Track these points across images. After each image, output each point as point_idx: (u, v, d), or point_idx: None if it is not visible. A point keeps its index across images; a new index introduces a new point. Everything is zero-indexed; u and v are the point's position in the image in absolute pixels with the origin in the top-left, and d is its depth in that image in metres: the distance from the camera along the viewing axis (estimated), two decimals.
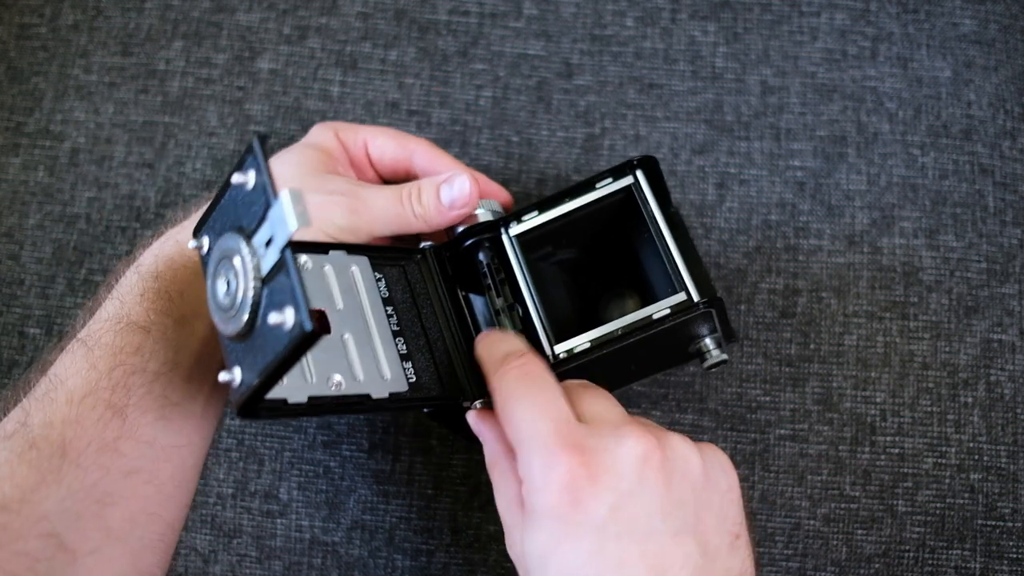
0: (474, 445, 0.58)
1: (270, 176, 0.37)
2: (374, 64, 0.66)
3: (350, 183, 0.50)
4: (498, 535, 0.57)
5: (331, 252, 0.48)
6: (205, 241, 0.42)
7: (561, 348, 0.48)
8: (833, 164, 0.62)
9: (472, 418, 0.46)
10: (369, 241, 0.50)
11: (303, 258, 0.46)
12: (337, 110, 0.65)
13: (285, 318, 0.35)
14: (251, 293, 0.37)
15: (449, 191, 0.50)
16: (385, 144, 0.55)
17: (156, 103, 0.66)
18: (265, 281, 0.37)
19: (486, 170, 0.63)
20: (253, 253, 0.38)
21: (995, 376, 0.58)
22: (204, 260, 0.41)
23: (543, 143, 0.64)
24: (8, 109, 0.66)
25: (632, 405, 0.56)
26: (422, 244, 0.52)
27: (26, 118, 0.66)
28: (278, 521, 0.58)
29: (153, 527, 0.45)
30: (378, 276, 0.49)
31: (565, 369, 0.48)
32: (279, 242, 0.36)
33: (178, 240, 0.48)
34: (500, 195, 0.55)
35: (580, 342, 0.48)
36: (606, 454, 0.39)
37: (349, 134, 0.54)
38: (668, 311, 0.47)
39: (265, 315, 0.37)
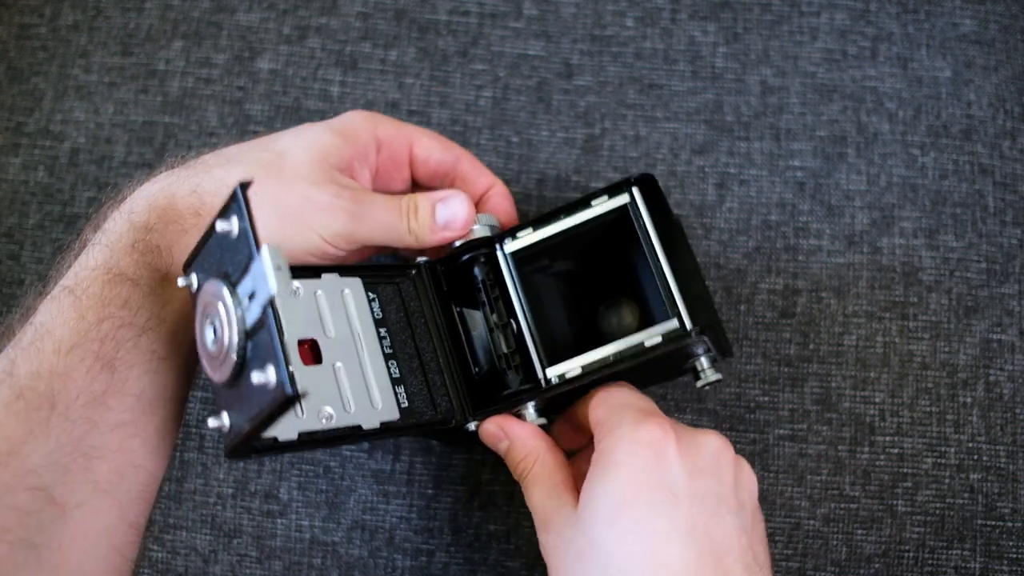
0: (474, 449, 0.58)
1: (253, 227, 0.37)
2: (374, 64, 0.66)
3: (357, 188, 0.50)
4: (498, 534, 0.57)
5: (324, 276, 0.47)
6: (194, 279, 0.41)
7: (553, 372, 0.48)
8: (833, 164, 0.62)
9: (495, 423, 0.47)
10: (361, 248, 0.50)
11: (295, 284, 0.46)
12: (337, 110, 0.65)
13: (268, 378, 0.35)
14: (236, 347, 0.37)
15: (445, 211, 0.50)
16: (432, 146, 0.54)
17: (156, 103, 0.66)
18: (249, 335, 0.37)
19: None
20: (238, 304, 0.37)
21: (994, 376, 0.58)
22: (193, 298, 0.41)
23: (543, 143, 0.64)
24: (8, 109, 0.66)
25: None
26: (418, 259, 0.51)
27: (26, 118, 0.66)
28: (278, 521, 0.58)
29: (139, 479, 0.45)
30: (371, 296, 0.48)
31: (556, 393, 0.48)
32: (260, 300, 0.36)
33: (171, 192, 0.47)
34: (510, 216, 0.55)
35: (572, 367, 0.48)
36: (688, 435, 0.43)
37: (392, 130, 0.53)
38: (660, 339, 0.47)
39: (249, 370, 0.37)
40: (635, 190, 0.49)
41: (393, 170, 0.54)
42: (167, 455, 0.47)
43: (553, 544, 0.43)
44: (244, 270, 0.38)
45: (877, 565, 0.55)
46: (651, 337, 0.47)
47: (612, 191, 0.49)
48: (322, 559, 0.57)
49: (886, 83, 0.64)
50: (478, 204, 0.55)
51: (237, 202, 0.38)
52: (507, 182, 0.62)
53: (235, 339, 0.37)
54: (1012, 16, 0.65)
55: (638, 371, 0.48)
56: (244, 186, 0.37)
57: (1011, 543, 0.55)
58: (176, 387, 0.46)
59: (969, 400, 0.58)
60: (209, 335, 0.39)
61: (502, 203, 0.55)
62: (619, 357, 0.47)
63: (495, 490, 0.58)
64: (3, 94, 0.67)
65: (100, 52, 0.67)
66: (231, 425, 0.39)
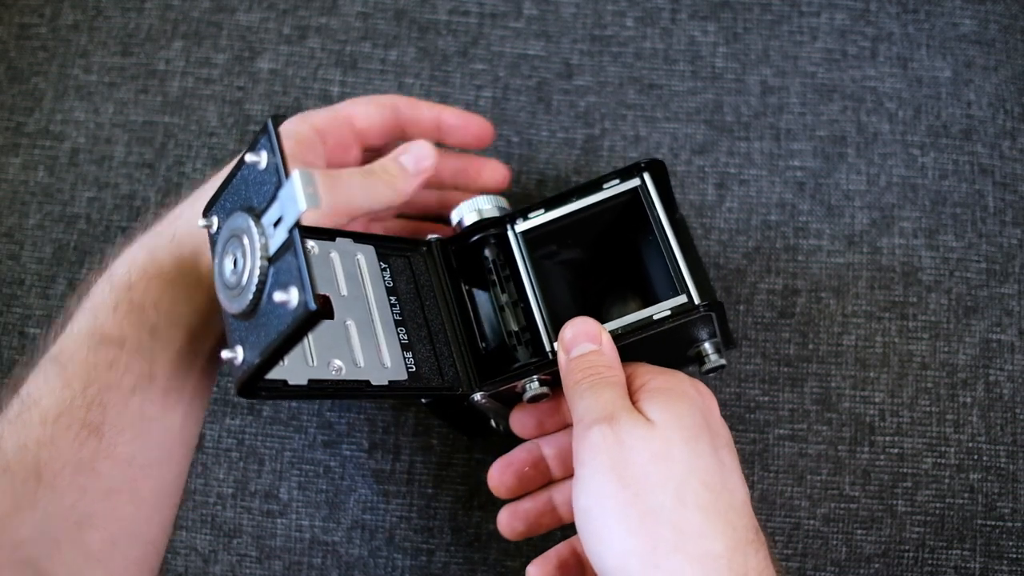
0: (475, 441, 0.58)
1: (283, 156, 0.38)
2: (374, 64, 0.66)
3: (320, 170, 0.49)
4: (498, 534, 0.57)
5: (338, 239, 0.48)
6: (214, 220, 0.42)
7: None
8: (833, 164, 0.62)
9: (592, 323, 0.47)
10: (348, 223, 0.50)
11: (310, 243, 0.46)
12: None
13: (290, 297, 0.36)
14: (257, 272, 0.38)
15: (408, 157, 0.50)
16: (369, 112, 0.53)
17: (156, 103, 0.66)
18: (272, 260, 0.37)
19: None
20: (262, 232, 0.38)
21: (994, 376, 0.58)
22: (212, 239, 0.42)
23: (543, 144, 0.64)
24: (8, 109, 0.66)
25: None
26: (428, 237, 0.52)
27: (26, 118, 0.66)
28: (278, 521, 0.58)
29: (135, 547, 0.44)
30: (383, 266, 0.49)
31: None
32: (288, 222, 0.37)
33: (150, 247, 0.46)
34: (480, 126, 0.55)
35: None
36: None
37: (327, 116, 0.52)
38: (668, 312, 0.47)
39: (270, 294, 0.37)
40: (646, 175, 0.50)
41: (343, 153, 0.53)
42: (168, 520, 0.46)
43: (617, 438, 0.42)
44: (271, 200, 0.38)
45: (877, 565, 0.55)
46: (660, 311, 0.47)
47: (624, 175, 0.50)
48: (322, 559, 0.57)
49: (886, 83, 0.64)
50: (470, 180, 0.57)
51: (268, 134, 0.38)
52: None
53: (257, 266, 0.37)
54: (1012, 16, 0.65)
55: (645, 349, 0.48)
56: (276, 119, 0.38)
57: (1011, 543, 0.55)
58: (172, 448, 0.45)
59: (969, 400, 0.58)
60: (229, 266, 0.39)
61: (486, 168, 0.56)
62: (627, 329, 0.47)
63: None
64: (3, 94, 0.67)
65: (100, 52, 0.67)
66: (244, 358, 0.39)
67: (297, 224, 0.36)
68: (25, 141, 0.66)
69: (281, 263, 0.37)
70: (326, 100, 0.65)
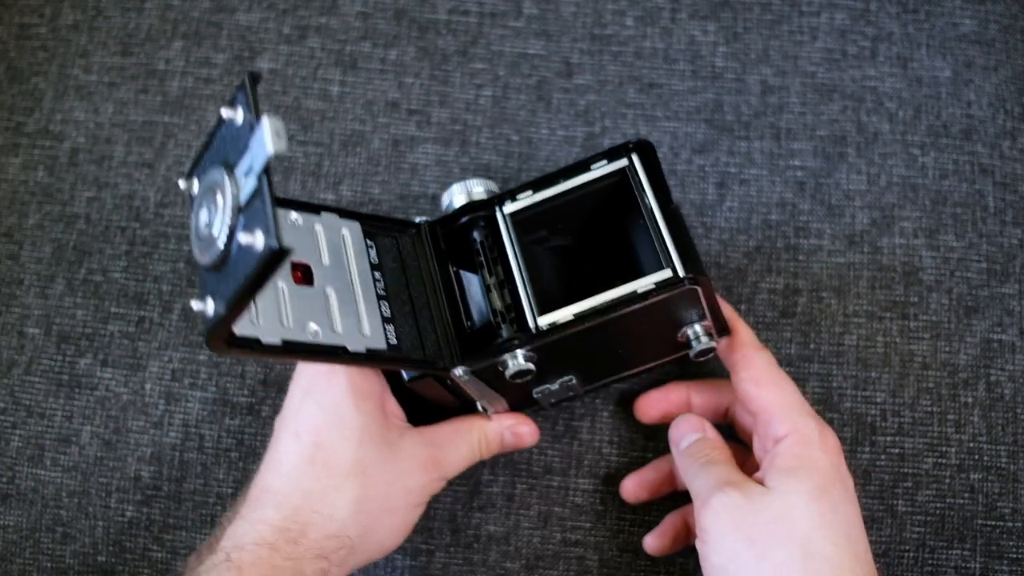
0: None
1: (256, 107, 0.39)
2: (374, 64, 0.66)
3: (422, 439, 0.51)
4: (498, 535, 0.57)
5: (323, 213, 0.49)
6: (195, 182, 0.43)
7: (545, 320, 0.48)
8: (833, 164, 0.62)
9: (696, 419, 0.52)
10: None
11: (293, 215, 0.47)
12: (337, 110, 0.65)
13: (255, 239, 0.36)
14: (228, 220, 0.38)
15: (512, 438, 0.54)
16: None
17: (156, 103, 0.66)
18: (243, 209, 0.38)
19: (486, 169, 0.63)
20: (234, 183, 0.39)
21: (995, 376, 0.58)
22: (191, 200, 0.42)
23: (543, 142, 0.64)
24: (8, 109, 0.66)
25: (629, 403, 0.56)
26: (417, 219, 0.53)
27: (26, 118, 0.66)
28: None
29: None
30: (369, 243, 0.50)
31: (548, 341, 0.48)
32: (257, 168, 0.37)
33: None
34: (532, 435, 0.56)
35: (564, 315, 0.48)
36: None
37: None
38: (653, 286, 0.47)
39: (239, 239, 0.38)
40: (634, 156, 0.50)
41: None
42: None
43: (736, 502, 0.46)
44: (245, 150, 0.39)
45: (877, 565, 0.55)
46: (644, 285, 0.47)
47: (611, 155, 0.50)
48: None
49: (886, 83, 0.64)
50: None
51: (243, 89, 0.39)
52: (507, 180, 0.62)
53: (228, 214, 0.38)
54: (1012, 16, 0.65)
55: (631, 326, 0.48)
56: (253, 76, 0.39)
57: (1011, 543, 0.55)
58: None
59: (970, 400, 0.58)
60: (203, 218, 0.40)
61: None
62: (612, 303, 0.47)
63: (494, 491, 0.58)
64: (3, 94, 0.67)
65: (100, 52, 0.67)
66: (214, 309, 0.39)
67: (266, 169, 0.37)
68: (25, 141, 0.66)
69: (250, 210, 0.38)
70: (326, 100, 0.65)
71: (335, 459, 0.48)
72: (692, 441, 0.51)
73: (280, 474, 0.48)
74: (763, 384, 0.50)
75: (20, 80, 0.67)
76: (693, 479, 0.49)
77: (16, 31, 0.68)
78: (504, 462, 0.58)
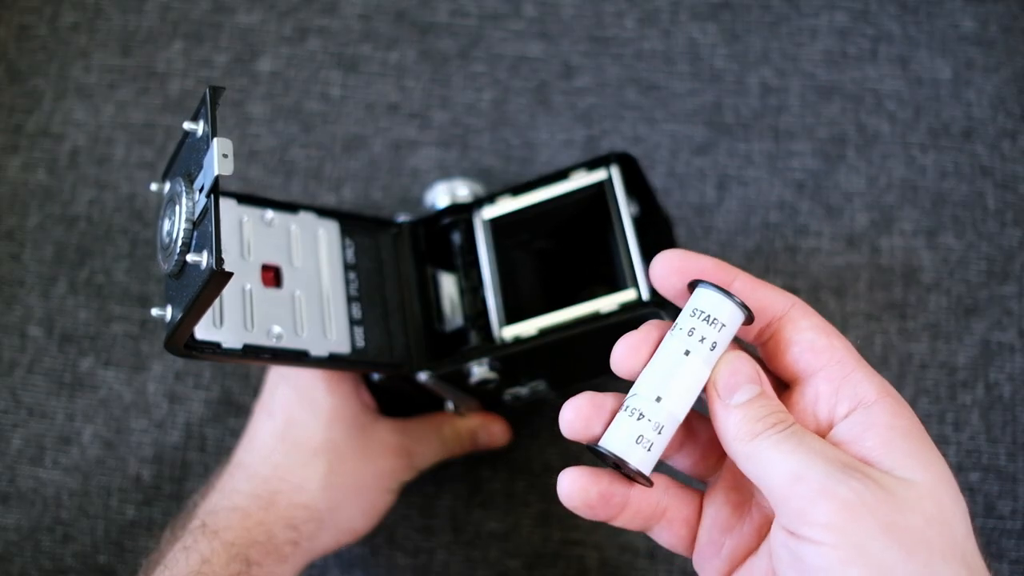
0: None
1: (213, 125, 0.40)
2: (374, 66, 0.66)
3: (395, 427, 0.53)
4: (498, 533, 0.57)
5: (301, 212, 0.49)
6: (166, 185, 0.44)
7: (509, 332, 0.48)
8: (833, 165, 0.62)
9: (750, 362, 0.38)
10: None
11: (268, 215, 0.48)
12: (338, 112, 0.65)
13: (202, 259, 0.38)
14: (182, 235, 0.40)
15: (484, 434, 0.55)
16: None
17: (156, 104, 0.66)
18: (196, 224, 0.40)
19: (487, 173, 0.63)
20: (191, 198, 0.40)
21: (994, 376, 0.58)
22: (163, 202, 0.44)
23: (543, 145, 0.64)
24: (8, 109, 0.66)
25: None
26: (399, 219, 0.53)
27: (26, 118, 0.66)
28: None
29: None
30: (348, 243, 0.51)
31: (511, 353, 0.48)
32: (207, 186, 0.39)
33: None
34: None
35: (528, 328, 0.48)
36: None
37: None
38: (616, 307, 0.47)
39: (189, 255, 0.39)
40: (613, 168, 0.49)
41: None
42: None
43: (879, 496, 0.34)
44: (201, 165, 0.40)
45: None
46: (607, 305, 0.47)
47: (592, 165, 0.50)
48: (323, 557, 0.57)
49: (886, 83, 0.64)
50: None
51: (204, 104, 0.40)
52: (507, 183, 0.62)
53: (182, 229, 0.40)
54: (1012, 16, 0.65)
55: (595, 342, 0.47)
56: (215, 90, 0.40)
57: (1011, 543, 0.55)
58: None
59: (969, 400, 0.58)
60: (166, 226, 0.41)
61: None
62: (575, 322, 0.47)
63: (495, 488, 0.58)
64: (3, 94, 0.67)
65: (100, 52, 0.67)
66: (172, 315, 0.41)
67: (213, 189, 0.38)
68: (25, 141, 0.66)
69: (201, 227, 0.39)
70: (326, 102, 0.65)
71: (305, 436, 0.50)
72: (751, 396, 0.36)
73: (251, 450, 0.50)
74: (828, 332, 0.38)
75: (20, 80, 0.67)
76: (772, 451, 0.35)
77: (16, 31, 0.68)
78: (504, 460, 0.58)
